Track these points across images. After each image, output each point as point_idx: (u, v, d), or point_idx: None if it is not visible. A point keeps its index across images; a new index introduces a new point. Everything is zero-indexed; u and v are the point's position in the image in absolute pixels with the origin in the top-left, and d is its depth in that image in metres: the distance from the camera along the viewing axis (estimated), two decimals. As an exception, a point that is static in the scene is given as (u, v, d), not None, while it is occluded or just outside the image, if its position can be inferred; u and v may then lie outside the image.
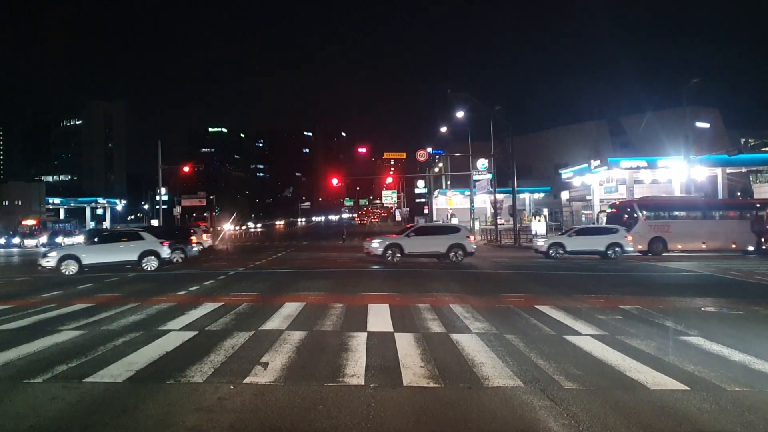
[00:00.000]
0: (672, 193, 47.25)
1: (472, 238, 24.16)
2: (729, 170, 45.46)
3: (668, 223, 27.59)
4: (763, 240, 26.83)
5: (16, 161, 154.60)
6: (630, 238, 24.74)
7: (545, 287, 14.61)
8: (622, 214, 28.74)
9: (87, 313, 10.76)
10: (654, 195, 36.09)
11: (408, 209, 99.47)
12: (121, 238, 22.10)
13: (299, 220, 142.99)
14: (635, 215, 27.85)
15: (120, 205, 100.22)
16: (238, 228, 60.98)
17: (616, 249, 24.33)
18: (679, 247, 26.96)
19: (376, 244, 22.91)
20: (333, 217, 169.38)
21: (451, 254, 22.46)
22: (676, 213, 28.55)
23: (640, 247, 26.96)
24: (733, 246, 26.67)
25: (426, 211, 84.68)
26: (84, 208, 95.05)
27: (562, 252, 24.51)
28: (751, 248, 26.70)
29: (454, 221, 46.47)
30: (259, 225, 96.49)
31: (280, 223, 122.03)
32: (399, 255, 22.33)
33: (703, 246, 26.83)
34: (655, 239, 27.03)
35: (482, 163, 46.03)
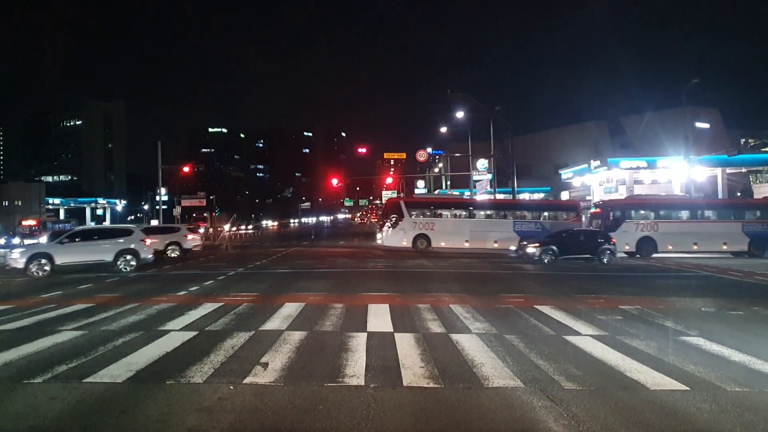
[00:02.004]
0: (672, 193, 47.32)
1: (148, 241, 21.01)
2: (729, 170, 45.46)
3: (656, 223, 27.00)
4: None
5: (16, 161, 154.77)
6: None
7: (545, 287, 14.61)
8: (605, 215, 28.34)
9: (87, 313, 10.76)
10: (640, 194, 36.03)
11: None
12: (106, 235, 20.75)
13: (292, 221, 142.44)
14: (617, 216, 27.51)
15: (120, 205, 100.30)
16: (223, 229, 60.05)
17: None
18: (670, 247, 26.58)
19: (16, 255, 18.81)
20: (325, 218, 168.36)
21: (120, 262, 19.49)
22: (665, 213, 28.10)
23: (627, 248, 26.67)
24: (724, 247, 26.38)
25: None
26: (84, 209, 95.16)
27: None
28: (743, 249, 26.45)
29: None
30: (250, 226, 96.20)
31: (274, 224, 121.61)
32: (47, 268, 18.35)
33: (695, 247, 26.47)
34: (643, 240, 26.63)
35: (482, 163, 46.07)
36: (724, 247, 26.31)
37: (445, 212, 32.05)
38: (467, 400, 5.48)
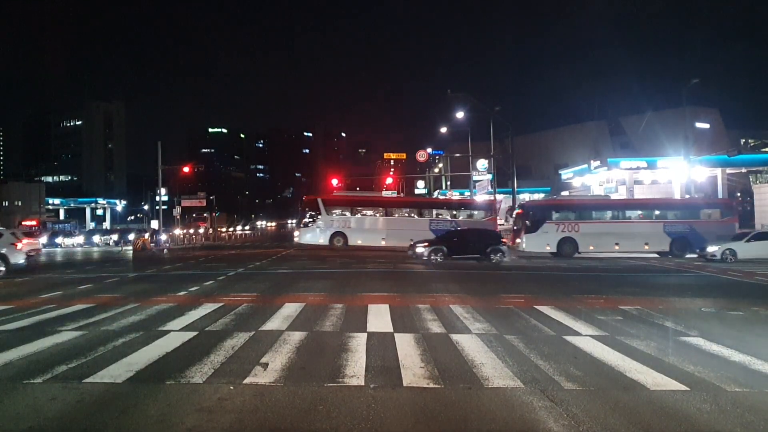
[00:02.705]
0: (671, 194, 47.34)
1: (19, 245, 19.18)
2: (729, 171, 45.45)
3: (577, 224, 27.12)
4: None
5: (16, 161, 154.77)
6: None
7: (545, 288, 14.62)
8: (526, 216, 28.62)
9: (87, 313, 10.76)
10: (565, 196, 36.14)
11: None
12: None
13: (290, 221, 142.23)
14: (538, 217, 27.79)
15: (120, 205, 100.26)
16: (211, 230, 59.15)
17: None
18: (591, 248, 26.80)
19: None
20: None
21: None
22: (586, 213, 28.38)
23: (548, 248, 26.91)
24: (646, 247, 26.45)
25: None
26: (84, 209, 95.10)
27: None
28: (665, 249, 26.62)
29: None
30: (247, 227, 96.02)
31: (271, 225, 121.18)
32: None
33: (616, 247, 26.62)
34: (564, 240, 26.83)
35: (482, 163, 46.07)
36: (646, 248, 26.41)
37: (362, 210, 32.17)
38: (467, 400, 5.48)
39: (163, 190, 48.32)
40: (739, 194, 49.41)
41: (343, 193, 37.16)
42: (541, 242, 26.91)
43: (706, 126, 59.38)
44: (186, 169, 54.35)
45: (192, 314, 10.47)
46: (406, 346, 7.71)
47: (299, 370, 6.55)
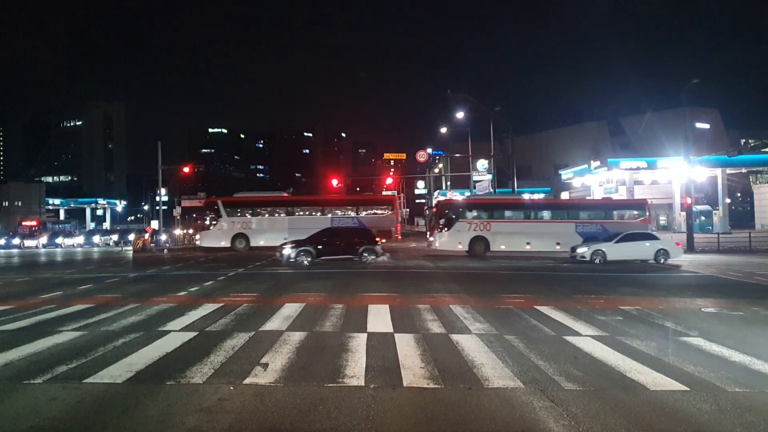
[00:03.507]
0: (671, 194, 47.32)
1: None
2: (729, 171, 45.51)
3: (489, 223, 27.32)
4: None
5: (16, 162, 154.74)
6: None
7: (545, 288, 14.62)
8: (440, 214, 28.66)
9: (87, 313, 10.77)
10: (480, 194, 36.29)
11: (408, 210, 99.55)
12: None
13: None
14: (451, 214, 27.85)
15: (120, 205, 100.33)
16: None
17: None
18: (503, 247, 26.93)
19: None
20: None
21: None
22: (499, 213, 28.62)
23: (460, 246, 27.09)
24: (557, 247, 26.47)
25: (426, 211, 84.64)
26: (84, 209, 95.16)
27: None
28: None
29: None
30: None
31: None
32: None
33: (528, 247, 26.72)
34: (476, 239, 27.01)
35: (482, 163, 46.09)
36: (557, 247, 26.43)
37: (263, 211, 32.19)
38: (467, 400, 5.48)
39: (163, 190, 48.31)
40: (739, 194, 49.41)
41: (244, 194, 37.20)
42: (453, 240, 27.12)
43: (706, 126, 59.41)
44: (186, 169, 54.29)
45: (192, 314, 10.48)
46: (406, 346, 7.71)
47: (299, 370, 6.55)
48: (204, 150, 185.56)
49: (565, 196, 61.88)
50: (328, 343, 7.92)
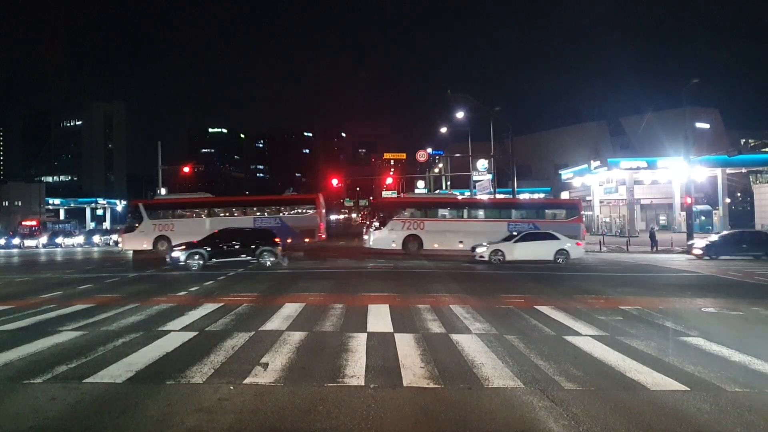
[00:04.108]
0: (671, 194, 47.30)
1: None
2: (729, 171, 45.49)
3: (422, 222, 27.82)
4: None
5: (16, 162, 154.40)
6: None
7: (545, 288, 14.61)
8: (374, 213, 29.18)
9: (87, 313, 10.76)
10: (412, 194, 36.45)
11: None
12: None
13: None
14: (384, 214, 28.50)
15: (120, 205, 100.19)
16: None
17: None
18: (436, 246, 27.19)
19: None
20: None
21: None
22: (432, 212, 28.90)
23: (393, 245, 27.44)
24: None
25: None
26: (84, 209, 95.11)
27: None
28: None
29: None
30: None
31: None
32: None
33: (461, 245, 26.81)
34: (409, 237, 27.30)
35: (482, 163, 46.07)
36: None
37: (185, 212, 32.17)
38: (467, 400, 5.48)
39: (163, 190, 48.24)
40: (739, 194, 49.40)
41: (165, 196, 37.16)
42: (387, 239, 27.36)
43: (706, 126, 59.41)
44: (186, 169, 54.36)
45: (192, 314, 10.47)
46: (406, 346, 7.71)
47: (299, 370, 6.55)
48: (204, 150, 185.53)
49: (565, 195, 61.89)
50: (328, 343, 7.92)
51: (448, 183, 66.52)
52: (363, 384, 5.96)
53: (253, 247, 21.37)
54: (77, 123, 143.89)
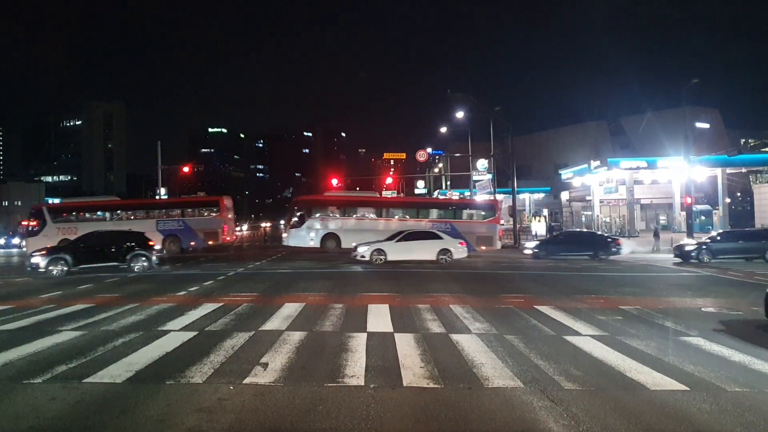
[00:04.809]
0: (671, 194, 47.31)
1: None
2: (729, 170, 45.45)
3: (341, 220, 28.29)
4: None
5: (15, 161, 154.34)
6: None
7: (545, 288, 14.61)
8: (293, 211, 29.75)
9: (86, 313, 10.76)
10: (331, 192, 36.66)
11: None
12: None
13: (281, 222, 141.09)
14: (303, 212, 28.89)
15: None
16: None
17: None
18: (353, 244, 26.81)
19: None
20: None
21: None
22: (351, 210, 29.06)
23: (312, 243, 27.77)
24: None
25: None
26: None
27: None
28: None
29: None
30: (245, 227, 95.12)
31: (267, 225, 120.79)
32: None
33: None
34: (327, 236, 27.62)
35: (482, 163, 46.04)
36: None
37: (88, 215, 32.09)
38: (467, 400, 5.48)
39: (163, 190, 48.38)
40: (739, 194, 49.37)
41: (70, 200, 37.36)
42: (305, 237, 27.61)
43: (706, 126, 59.36)
44: (186, 169, 54.44)
45: (192, 314, 10.47)
46: (405, 346, 7.71)
47: (299, 370, 6.55)
48: (204, 150, 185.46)
49: (565, 195, 61.90)
50: (327, 343, 7.92)
51: (448, 183, 66.54)
52: (363, 384, 5.96)
53: (124, 251, 19.99)
54: (77, 123, 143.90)
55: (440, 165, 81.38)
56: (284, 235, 29.75)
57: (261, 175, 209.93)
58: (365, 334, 8.46)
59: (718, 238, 23.46)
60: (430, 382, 6.03)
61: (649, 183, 48.94)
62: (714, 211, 46.18)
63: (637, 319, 9.95)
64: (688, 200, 30.38)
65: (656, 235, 31.12)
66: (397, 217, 29.08)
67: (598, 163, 46.84)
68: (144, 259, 20.06)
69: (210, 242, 31.22)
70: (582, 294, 13.24)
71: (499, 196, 43.75)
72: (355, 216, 28.91)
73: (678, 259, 22.99)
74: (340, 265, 21.49)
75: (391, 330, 8.83)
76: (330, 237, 27.68)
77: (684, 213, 35.75)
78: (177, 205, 34.82)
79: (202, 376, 6.28)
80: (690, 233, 29.51)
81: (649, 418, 5.02)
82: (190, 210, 32.71)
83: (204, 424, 4.87)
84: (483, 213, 29.42)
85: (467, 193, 47.95)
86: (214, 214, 32.03)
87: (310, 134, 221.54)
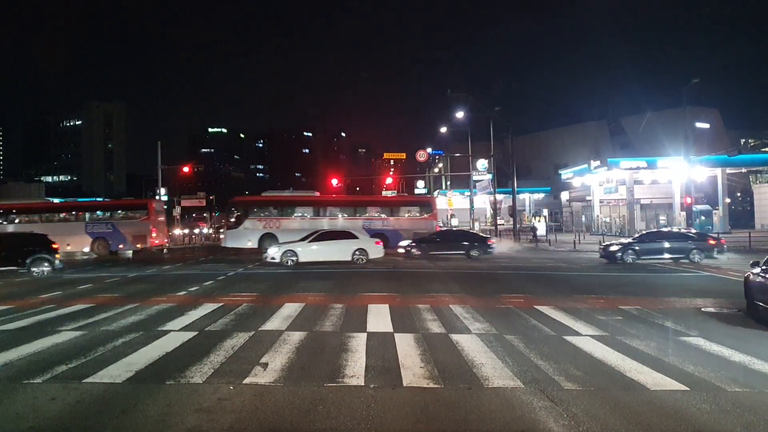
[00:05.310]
0: (671, 194, 47.36)
1: None
2: (729, 170, 45.50)
3: (279, 220, 28.60)
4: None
5: (16, 161, 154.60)
6: (230, 235, 24.79)
7: (545, 288, 14.60)
8: (231, 212, 30.18)
9: (86, 313, 10.76)
10: (271, 192, 36.74)
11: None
12: None
13: None
14: (240, 212, 29.31)
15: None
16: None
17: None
18: (265, 246, 27.35)
19: None
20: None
21: None
22: (289, 210, 29.62)
23: (249, 244, 28.07)
24: None
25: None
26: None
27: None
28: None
29: (454, 222, 46.48)
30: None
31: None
32: None
33: None
34: (265, 237, 27.76)
35: (482, 163, 46.04)
36: None
37: (21, 218, 31.92)
38: (467, 400, 5.48)
39: (163, 190, 48.30)
40: (739, 194, 49.39)
41: (270, 194, 37.50)
42: (243, 237, 27.63)
43: (706, 126, 59.39)
44: (186, 169, 54.39)
45: (192, 314, 10.48)
46: (405, 346, 7.71)
47: (299, 370, 6.55)
48: (204, 150, 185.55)
49: (565, 195, 61.91)
50: (327, 343, 7.92)
51: (448, 183, 66.55)
52: (363, 384, 5.96)
53: (24, 254, 18.83)
54: (77, 123, 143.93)
55: (440, 165, 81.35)
56: (221, 236, 29.75)
57: (261, 175, 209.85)
58: (365, 334, 8.46)
59: (646, 239, 23.37)
60: (430, 382, 6.03)
61: (649, 183, 48.95)
62: (714, 211, 46.18)
63: (637, 319, 9.95)
64: (688, 200, 30.39)
65: None
66: (334, 216, 29.25)
67: (598, 163, 46.86)
68: (46, 263, 18.94)
69: (138, 245, 31.38)
70: (582, 294, 13.22)
71: (499, 196, 43.83)
72: (292, 216, 29.10)
73: (604, 260, 22.81)
74: (248, 267, 20.91)
75: (391, 330, 8.83)
76: (267, 237, 27.69)
77: (684, 213, 35.75)
78: (106, 207, 35.12)
79: (202, 376, 6.28)
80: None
81: (649, 418, 5.02)
82: (119, 213, 32.97)
83: (204, 424, 4.87)
84: (420, 210, 29.79)
85: (467, 193, 47.96)
86: (143, 218, 32.19)
87: (310, 134, 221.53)
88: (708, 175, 44.81)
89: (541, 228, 40.80)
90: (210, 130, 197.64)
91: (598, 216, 50.96)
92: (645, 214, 54.15)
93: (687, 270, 19.75)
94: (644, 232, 26.59)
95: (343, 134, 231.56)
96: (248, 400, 5.48)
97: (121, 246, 30.98)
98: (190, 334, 8.61)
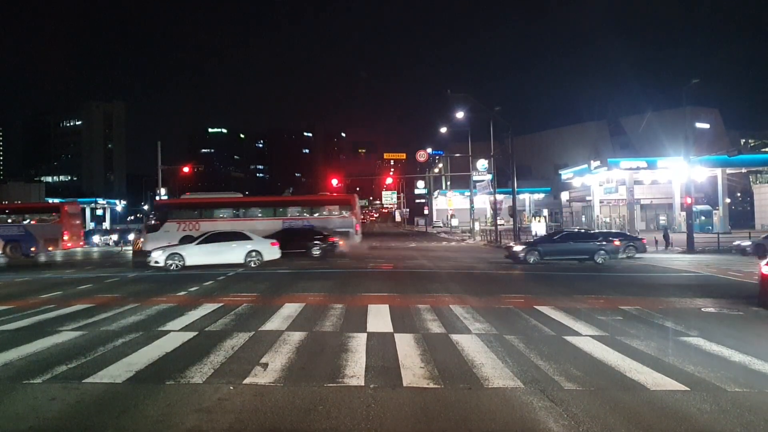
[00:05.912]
0: (671, 194, 47.36)
1: None
2: (729, 171, 45.54)
3: (198, 222, 28.56)
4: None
5: (15, 162, 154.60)
6: (149, 239, 24.48)
7: (545, 288, 14.61)
8: (150, 214, 30.21)
9: (86, 313, 10.76)
10: (189, 195, 36.71)
11: (408, 210, 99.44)
12: None
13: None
14: (159, 215, 29.68)
15: (120, 205, 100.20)
16: None
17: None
18: (149, 249, 27.22)
19: None
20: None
21: None
22: (208, 212, 29.67)
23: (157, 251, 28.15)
24: None
25: (426, 211, 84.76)
26: (84, 209, 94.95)
27: None
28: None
29: (454, 222, 46.45)
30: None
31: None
32: None
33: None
34: (185, 239, 27.25)
35: (482, 163, 46.10)
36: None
37: (211, 212, 31.93)
38: (467, 400, 5.48)
39: (163, 190, 48.35)
40: (739, 194, 49.39)
41: (192, 197, 37.60)
42: (162, 240, 27.16)
43: (706, 126, 59.41)
44: (186, 169, 54.42)
45: (192, 314, 10.47)
46: (405, 346, 7.70)
47: (299, 370, 6.55)
48: (204, 150, 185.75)
49: (565, 195, 61.92)
50: (327, 343, 7.92)
51: (448, 183, 66.58)
52: (363, 384, 5.96)
53: None
54: (77, 123, 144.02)
55: (440, 165, 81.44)
56: (141, 240, 29.49)
57: (261, 175, 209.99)
58: (365, 335, 8.46)
59: (555, 238, 23.06)
60: (430, 382, 6.03)
61: (649, 183, 49.00)
62: (714, 211, 46.21)
63: (637, 319, 9.94)
64: (688, 200, 30.36)
65: (666, 235, 30.99)
66: (255, 216, 29.23)
67: (598, 163, 46.90)
68: None
69: (50, 248, 31.31)
70: (582, 294, 13.21)
71: (499, 197, 43.81)
72: (212, 218, 29.01)
73: (509, 260, 22.46)
74: (137, 272, 20.21)
75: (391, 330, 8.83)
76: (186, 240, 27.04)
77: (684, 213, 35.76)
78: (19, 211, 35.10)
79: (202, 376, 6.28)
80: (690, 234, 29.50)
81: (649, 418, 5.02)
82: (32, 217, 32.94)
83: (204, 424, 4.87)
84: (340, 208, 29.90)
85: (467, 193, 47.98)
86: (55, 221, 32.17)
87: (310, 134, 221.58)
88: (708, 175, 44.84)
89: (540, 228, 40.78)
90: (210, 130, 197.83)
91: (598, 216, 50.98)
92: (645, 214, 54.21)
93: (688, 270, 19.71)
94: (552, 231, 26.23)
95: (343, 134, 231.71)
96: (248, 400, 5.48)
97: (33, 249, 30.80)
98: (190, 334, 8.60)
